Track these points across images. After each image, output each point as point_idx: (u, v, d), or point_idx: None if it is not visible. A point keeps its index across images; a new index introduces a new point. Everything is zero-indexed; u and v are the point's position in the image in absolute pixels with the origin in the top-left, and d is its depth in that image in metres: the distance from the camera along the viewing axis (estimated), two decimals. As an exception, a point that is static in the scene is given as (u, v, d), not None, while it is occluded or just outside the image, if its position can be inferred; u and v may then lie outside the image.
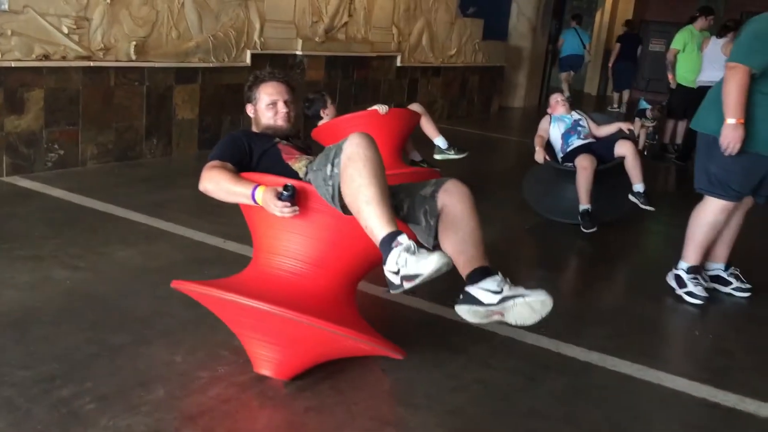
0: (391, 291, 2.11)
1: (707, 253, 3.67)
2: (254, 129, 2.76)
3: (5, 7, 4.44)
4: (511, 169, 7.07)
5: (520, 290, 2.18)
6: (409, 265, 2.04)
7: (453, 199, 2.38)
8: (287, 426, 2.24)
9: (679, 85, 7.75)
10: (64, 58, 4.79)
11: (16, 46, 4.50)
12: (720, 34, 7.06)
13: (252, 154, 2.55)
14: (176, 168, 5.44)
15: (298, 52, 6.68)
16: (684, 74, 7.63)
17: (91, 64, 4.95)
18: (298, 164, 2.52)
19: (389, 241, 2.09)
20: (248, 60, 6.12)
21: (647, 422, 2.44)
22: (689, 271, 3.53)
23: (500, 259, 4.13)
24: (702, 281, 3.53)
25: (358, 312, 2.47)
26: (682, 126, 8.03)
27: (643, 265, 4.41)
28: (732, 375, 2.83)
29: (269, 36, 6.32)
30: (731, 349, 3.13)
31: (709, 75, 7.09)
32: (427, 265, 2.02)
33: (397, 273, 2.06)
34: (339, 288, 2.39)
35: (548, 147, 4.92)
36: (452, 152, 5.09)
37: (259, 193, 2.29)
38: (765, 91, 3.27)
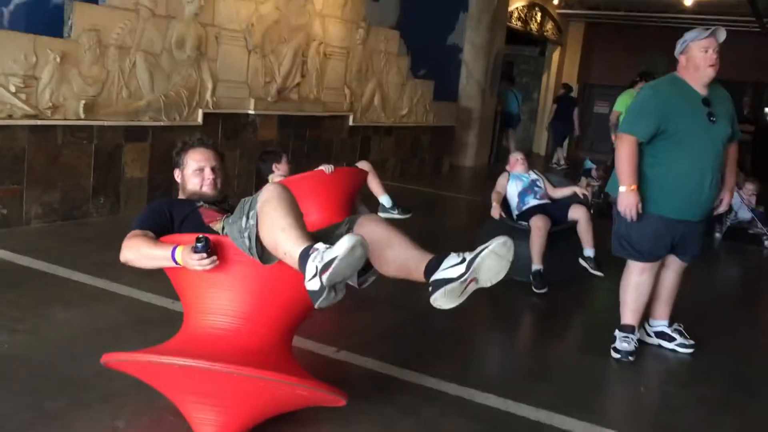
0: (318, 305, 2.02)
1: (648, 311, 3.74)
2: (181, 195, 2.79)
3: (-49, 65, 4.39)
4: (461, 227, 7.15)
5: (479, 248, 2.14)
6: (324, 257, 1.99)
7: (370, 228, 2.34)
8: (231, 493, 2.17)
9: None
10: (10, 117, 4.73)
11: (-39, 103, 4.43)
12: None
13: (173, 221, 2.55)
14: (124, 227, 5.26)
15: (251, 112, 6.72)
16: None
17: (38, 122, 4.89)
18: (219, 225, 2.52)
19: (305, 253, 2.05)
20: (200, 119, 6.13)
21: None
22: (621, 328, 3.62)
23: (450, 316, 4.15)
24: (633, 339, 3.58)
25: (296, 362, 2.44)
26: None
27: (591, 322, 4.47)
28: (679, 431, 2.86)
29: (222, 95, 6.36)
30: (677, 405, 3.17)
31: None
32: (339, 246, 1.97)
33: (315, 274, 2.00)
34: (272, 339, 2.36)
35: (504, 204, 5.01)
36: (396, 212, 5.14)
37: (178, 252, 2.27)
38: (655, 154, 3.40)
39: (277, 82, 7.00)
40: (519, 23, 13.51)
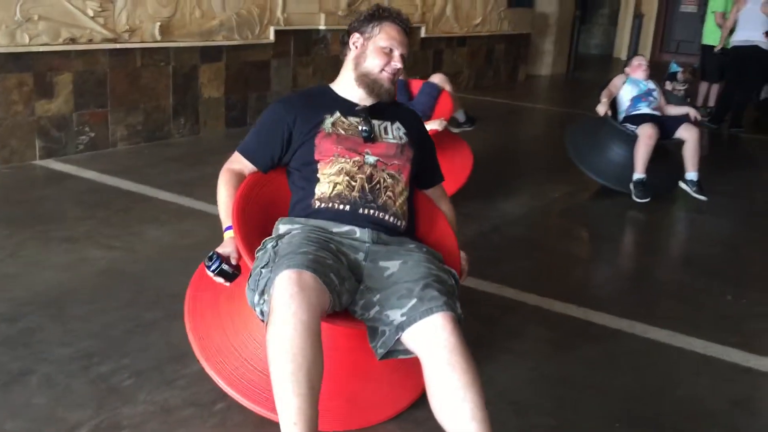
0: None
1: None
2: (343, 71, 2.25)
3: (31, -8, 4.49)
4: (538, 138, 7.01)
5: None
6: None
7: (428, 353, 1.73)
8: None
9: (710, 47, 7.59)
10: (90, 41, 4.84)
11: (44, 30, 4.55)
12: None
13: (289, 146, 2.16)
14: (204, 147, 5.49)
15: (321, 27, 6.65)
16: (717, 36, 7.47)
17: (117, 46, 4.99)
18: (328, 170, 2.08)
19: None
20: (272, 36, 6.12)
21: (678, 388, 2.43)
22: None
23: (530, 226, 4.14)
24: None
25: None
26: (715, 89, 7.88)
27: (674, 233, 4.38)
28: (766, 339, 2.80)
29: (292, 11, 6.29)
30: (765, 314, 3.09)
31: (744, 35, 6.97)
32: None
33: None
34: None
35: (611, 105, 4.81)
36: (467, 125, 5.05)
37: (226, 235, 2.05)
38: None
39: (347, -5, 6.87)
40: None
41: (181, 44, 5.42)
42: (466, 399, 1.66)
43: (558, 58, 11.49)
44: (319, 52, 6.72)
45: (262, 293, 1.82)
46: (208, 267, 1.95)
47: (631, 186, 4.55)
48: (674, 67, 8.00)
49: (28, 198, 4.00)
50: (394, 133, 2.19)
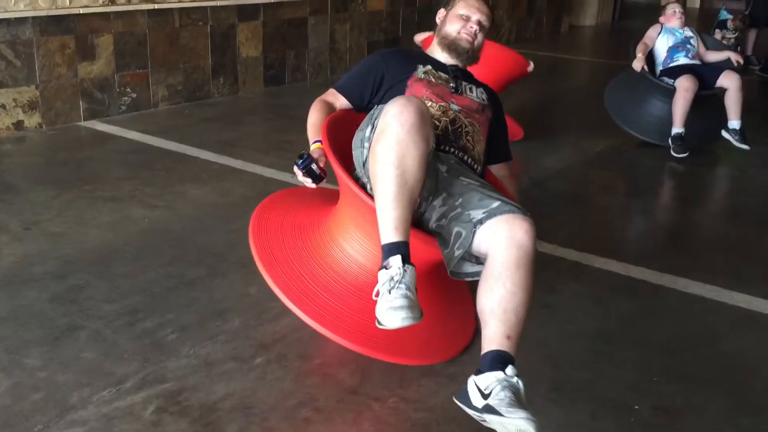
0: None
1: None
2: (434, 41, 2.53)
3: (70, -46, 4.52)
4: (581, 92, 6.86)
5: (505, 405, 1.60)
6: (381, 302, 1.72)
7: (501, 246, 1.78)
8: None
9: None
10: (129, 2, 4.87)
11: (83, -8, 4.60)
12: None
13: (380, 89, 2.37)
14: (243, 106, 5.52)
15: (359, -18, 6.58)
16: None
17: (156, 6, 5.01)
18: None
19: (386, 252, 1.77)
20: (309, -8, 6.09)
21: (719, 342, 2.40)
22: None
23: (571, 180, 4.09)
24: None
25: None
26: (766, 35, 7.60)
27: (731, 190, 4.28)
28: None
29: (329, -34, 6.23)
30: (812, 268, 3.02)
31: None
32: (389, 319, 1.69)
33: (377, 294, 1.75)
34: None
35: (648, 58, 4.70)
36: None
37: (312, 148, 2.20)
38: None
39: (384, -52, 6.76)
40: None
41: (219, 3, 5.42)
42: (516, 295, 1.74)
43: (603, 7, 11.17)
44: (356, 8, 6.65)
45: (373, 124, 1.97)
46: (298, 164, 2.05)
47: (670, 141, 4.46)
48: (724, 15, 7.70)
49: (74, 158, 4.09)
50: (477, 94, 2.42)
